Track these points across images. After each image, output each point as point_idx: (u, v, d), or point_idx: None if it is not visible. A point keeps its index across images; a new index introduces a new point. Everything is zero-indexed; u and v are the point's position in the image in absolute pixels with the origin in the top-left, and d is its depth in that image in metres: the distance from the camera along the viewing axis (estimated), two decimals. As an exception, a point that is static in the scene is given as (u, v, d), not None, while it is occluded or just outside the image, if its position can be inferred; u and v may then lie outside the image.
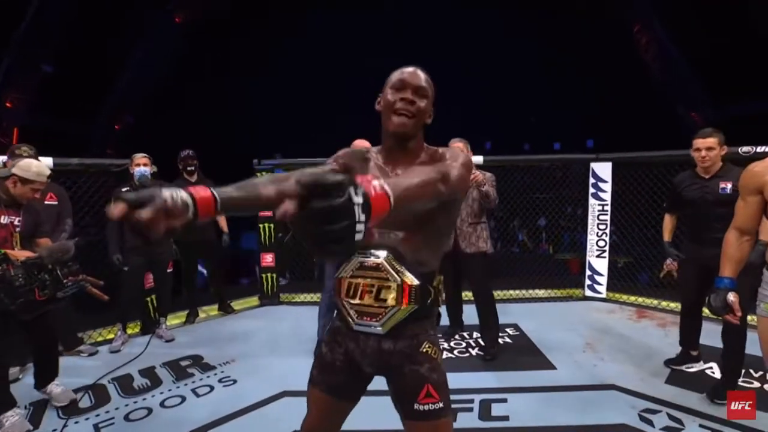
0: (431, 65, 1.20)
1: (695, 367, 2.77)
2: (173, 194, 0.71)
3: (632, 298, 4.22)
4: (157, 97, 10.95)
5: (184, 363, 3.00)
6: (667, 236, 2.88)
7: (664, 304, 4.06)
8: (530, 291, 4.56)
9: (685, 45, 10.70)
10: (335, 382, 1.18)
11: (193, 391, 2.61)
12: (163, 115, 10.56)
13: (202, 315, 4.15)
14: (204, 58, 11.05)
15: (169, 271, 3.52)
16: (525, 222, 6.84)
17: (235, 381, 2.74)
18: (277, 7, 11.21)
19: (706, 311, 2.13)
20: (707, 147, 2.47)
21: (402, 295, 1.08)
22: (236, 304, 4.44)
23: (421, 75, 1.12)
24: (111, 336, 3.40)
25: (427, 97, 1.12)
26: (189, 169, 3.80)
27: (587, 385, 2.61)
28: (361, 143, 3.07)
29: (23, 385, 2.55)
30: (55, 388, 2.41)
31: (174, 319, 3.88)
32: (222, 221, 4.03)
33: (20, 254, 2.09)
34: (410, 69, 1.12)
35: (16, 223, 2.23)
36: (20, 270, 1.95)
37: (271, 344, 3.37)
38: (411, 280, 1.09)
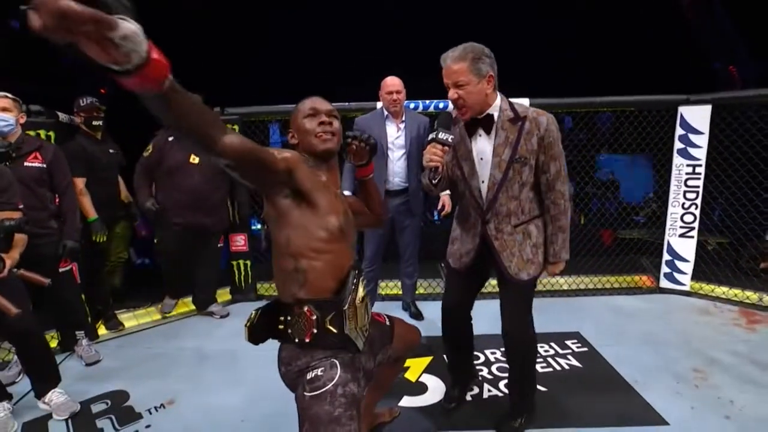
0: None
1: None
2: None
3: (725, 291, 3.14)
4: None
5: (96, 407, 2.01)
6: None
7: (772, 300, 2.99)
8: (581, 278, 3.47)
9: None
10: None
11: (90, 469, 1.63)
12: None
13: (156, 317, 3.18)
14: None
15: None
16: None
17: (162, 446, 1.76)
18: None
19: None
20: None
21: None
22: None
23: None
24: (10, 357, 2.41)
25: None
26: (95, 124, 2.72)
27: (733, 462, 1.59)
28: (392, 81, 2.70)
29: None
30: (56, 397, 1.97)
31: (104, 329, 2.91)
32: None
33: None
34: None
35: None
36: None
37: (234, 367, 2.37)
38: None
